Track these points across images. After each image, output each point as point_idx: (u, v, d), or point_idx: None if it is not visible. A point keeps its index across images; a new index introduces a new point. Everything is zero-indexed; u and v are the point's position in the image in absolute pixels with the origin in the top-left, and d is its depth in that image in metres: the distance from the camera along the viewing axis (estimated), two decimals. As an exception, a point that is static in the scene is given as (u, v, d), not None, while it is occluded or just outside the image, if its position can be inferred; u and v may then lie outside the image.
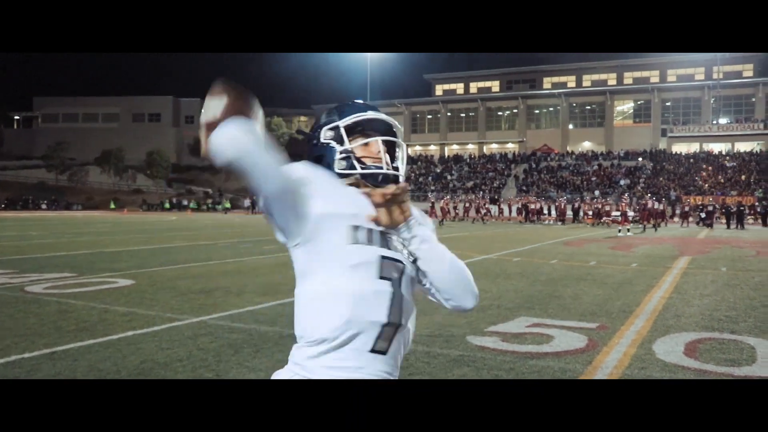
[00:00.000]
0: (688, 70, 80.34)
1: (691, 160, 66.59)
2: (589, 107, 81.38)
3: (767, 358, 6.21)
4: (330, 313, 1.79)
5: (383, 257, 1.86)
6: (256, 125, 1.79)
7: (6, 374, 5.44)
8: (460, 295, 1.92)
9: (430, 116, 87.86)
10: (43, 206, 75.90)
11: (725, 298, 10.01)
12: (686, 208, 45.52)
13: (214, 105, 1.82)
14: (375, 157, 2.06)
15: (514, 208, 50.78)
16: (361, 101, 2.19)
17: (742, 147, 69.18)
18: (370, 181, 2.00)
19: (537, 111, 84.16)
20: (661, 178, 63.06)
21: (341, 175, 2.01)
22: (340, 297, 1.80)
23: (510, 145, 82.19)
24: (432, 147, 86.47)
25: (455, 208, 48.66)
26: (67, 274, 12.11)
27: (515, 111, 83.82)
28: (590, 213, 43.87)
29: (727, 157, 66.20)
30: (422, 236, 1.90)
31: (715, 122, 72.54)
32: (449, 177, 72.22)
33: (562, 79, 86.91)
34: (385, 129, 2.15)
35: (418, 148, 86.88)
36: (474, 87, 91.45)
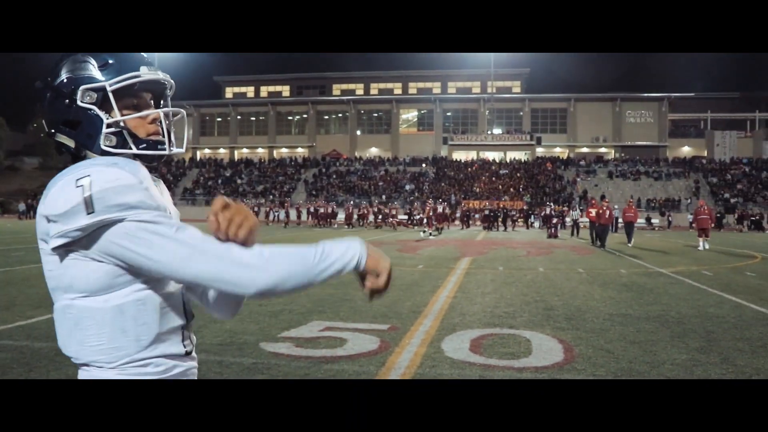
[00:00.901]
0: (466, 84, 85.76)
1: (470, 169, 70.88)
2: (376, 114, 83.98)
3: (540, 349, 6.73)
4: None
5: None
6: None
7: None
8: None
9: (219, 119, 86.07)
10: None
11: (503, 296, 10.72)
12: (466, 212, 48.44)
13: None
14: (153, 130, 1.72)
15: (304, 212, 50.96)
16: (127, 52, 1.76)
17: (513, 156, 75.02)
18: (146, 160, 1.69)
19: (326, 117, 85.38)
20: (443, 184, 66.46)
21: (109, 153, 1.64)
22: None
23: (300, 150, 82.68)
24: (221, 150, 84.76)
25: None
26: None
27: (305, 116, 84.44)
28: (371, 217, 45.50)
29: (501, 165, 71.35)
30: None
31: (489, 132, 77.85)
32: (239, 181, 71.18)
33: (351, 86, 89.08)
34: (161, 89, 1.81)
35: (207, 151, 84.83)
36: (264, 91, 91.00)
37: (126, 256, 1.51)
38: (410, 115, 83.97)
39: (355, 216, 46.41)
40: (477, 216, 49.13)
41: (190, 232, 1.53)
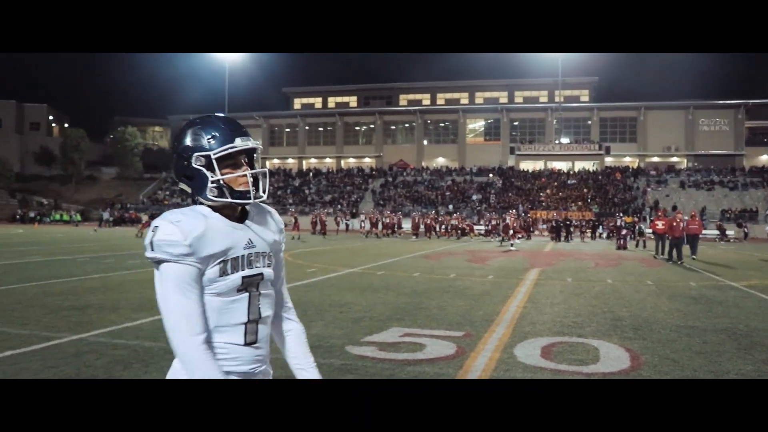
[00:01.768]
0: (533, 93, 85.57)
1: (537, 181, 70.57)
2: (442, 124, 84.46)
3: (607, 357, 7.12)
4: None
5: (244, 277, 2.31)
6: None
7: None
8: None
9: (288, 129, 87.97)
10: None
11: (572, 306, 11.08)
12: (531, 222, 48.37)
13: None
14: (243, 182, 2.34)
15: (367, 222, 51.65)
16: (224, 119, 2.41)
17: (581, 165, 74.37)
18: (238, 204, 2.35)
19: (393, 127, 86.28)
20: (510, 194, 66.43)
21: (212, 200, 2.31)
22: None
23: (367, 160, 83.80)
24: (290, 160, 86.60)
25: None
26: None
27: (372, 126, 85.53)
28: (441, 227, 45.90)
29: (569, 175, 70.84)
30: None
31: (557, 142, 77.35)
32: (308, 191, 72.62)
33: (418, 96, 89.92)
34: (251, 152, 2.43)
35: (276, 161, 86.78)
36: (332, 101, 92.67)
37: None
38: (477, 124, 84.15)
39: (422, 226, 46.90)
40: (544, 226, 48.99)
41: (172, 300, 2.18)
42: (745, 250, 33.13)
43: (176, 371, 2.23)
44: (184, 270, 2.18)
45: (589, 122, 79.33)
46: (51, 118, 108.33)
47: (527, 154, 76.08)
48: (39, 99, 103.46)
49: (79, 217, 68.81)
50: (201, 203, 2.34)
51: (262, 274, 2.37)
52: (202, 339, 2.15)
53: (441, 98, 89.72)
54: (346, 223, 51.99)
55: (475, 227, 50.35)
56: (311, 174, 78.11)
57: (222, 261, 2.25)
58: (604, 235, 45.81)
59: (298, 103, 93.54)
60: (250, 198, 2.34)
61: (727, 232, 47.82)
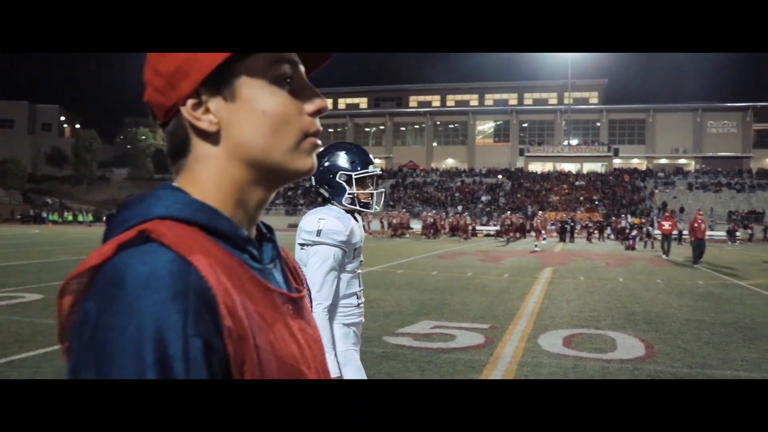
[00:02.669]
0: (543, 95, 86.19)
1: (546, 183, 71.15)
2: (452, 126, 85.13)
3: (624, 346, 7.81)
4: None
5: (360, 260, 3.24)
6: None
7: (-8, 374, 6.04)
8: None
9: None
10: None
11: (587, 302, 11.76)
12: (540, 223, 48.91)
13: None
14: (367, 196, 3.22)
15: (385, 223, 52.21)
16: (360, 149, 3.35)
17: (590, 167, 74.93)
18: (364, 212, 3.24)
19: (403, 128, 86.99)
20: (519, 195, 67.05)
21: (344, 206, 3.16)
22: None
23: (377, 161, 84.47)
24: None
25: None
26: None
27: (382, 127, 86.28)
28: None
29: (577, 177, 71.42)
30: None
31: (566, 143, 77.92)
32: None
33: (428, 98, 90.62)
34: (379, 175, 3.36)
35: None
36: (342, 103, 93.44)
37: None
38: (486, 126, 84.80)
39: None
40: (552, 227, 49.54)
41: (327, 276, 2.96)
42: (750, 251, 33.71)
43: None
44: (341, 254, 3.00)
45: (598, 124, 79.92)
46: (63, 118, 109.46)
47: (536, 155, 76.66)
48: (51, 100, 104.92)
49: (91, 218, 69.69)
50: (334, 205, 3.20)
51: (362, 259, 3.27)
52: (328, 305, 2.96)
53: (451, 100, 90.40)
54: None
55: (484, 228, 50.97)
56: (322, 175, 78.73)
57: (356, 248, 3.14)
58: (612, 236, 46.38)
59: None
60: (371, 209, 3.25)
61: (737, 233, 48.25)
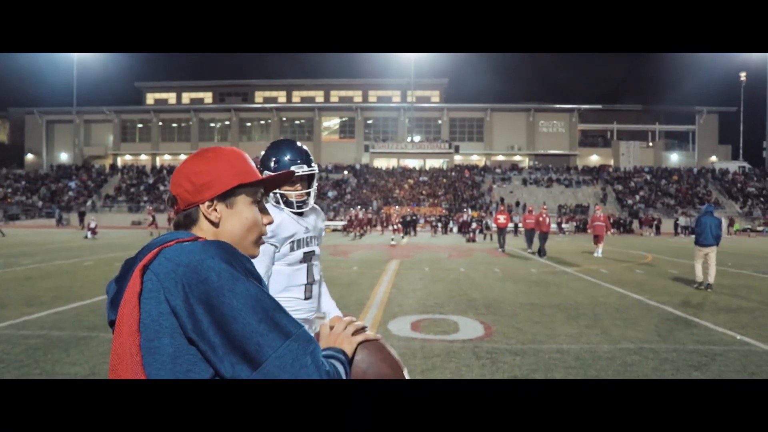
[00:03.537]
0: (387, 93, 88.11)
1: (390, 178, 73.04)
2: (298, 122, 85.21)
3: (466, 327, 8.61)
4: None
5: (304, 252, 3.35)
6: None
7: None
8: None
9: (141, 125, 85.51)
10: None
11: (432, 291, 12.59)
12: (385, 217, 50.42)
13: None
14: (296, 196, 3.25)
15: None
16: (291, 149, 3.30)
17: (432, 164, 77.80)
18: (294, 210, 3.28)
19: (249, 124, 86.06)
20: (365, 190, 68.40)
21: (273, 206, 3.25)
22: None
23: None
24: (143, 157, 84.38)
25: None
26: None
27: (228, 123, 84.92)
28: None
29: (421, 173, 73.90)
30: None
31: (410, 140, 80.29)
32: (162, 188, 71.26)
33: (273, 93, 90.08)
34: (307, 175, 3.30)
35: (128, 157, 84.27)
36: (186, 97, 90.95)
37: None
38: (332, 122, 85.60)
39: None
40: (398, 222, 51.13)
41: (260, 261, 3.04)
42: (578, 241, 36.58)
43: None
44: (269, 249, 3.14)
45: (440, 122, 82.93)
46: None
47: (381, 152, 78.41)
48: None
49: None
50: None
51: (314, 251, 3.37)
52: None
53: (297, 96, 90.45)
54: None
55: (331, 223, 51.82)
56: (165, 171, 76.62)
57: (293, 240, 3.24)
58: (455, 229, 48.57)
59: (151, 98, 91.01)
60: (293, 208, 3.29)
61: (563, 225, 52.03)
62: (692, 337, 8.19)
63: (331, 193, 67.26)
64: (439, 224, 49.53)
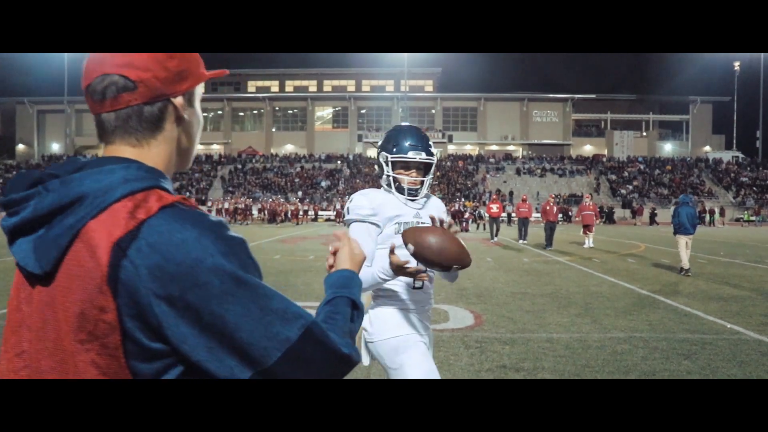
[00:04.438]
0: (380, 82, 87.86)
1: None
2: (291, 111, 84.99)
3: (456, 317, 8.55)
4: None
5: None
6: None
7: None
8: None
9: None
10: None
11: (423, 280, 12.52)
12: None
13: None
14: (409, 182, 3.15)
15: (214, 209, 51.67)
16: (411, 134, 3.21)
17: (426, 153, 77.61)
18: (400, 193, 3.18)
19: (242, 113, 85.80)
20: (358, 180, 68.25)
21: (384, 188, 3.23)
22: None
23: (215, 147, 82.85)
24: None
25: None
26: None
27: (220, 112, 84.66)
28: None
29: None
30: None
31: (403, 130, 79.89)
32: (155, 177, 70.87)
33: (266, 83, 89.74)
34: (424, 163, 3.20)
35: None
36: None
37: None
38: (325, 112, 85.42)
39: (265, 212, 47.73)
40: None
41: (357, 233, 3.00)
42: (569, 231, 36.59)
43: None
44: (371, 228, 3.03)
45: (433, 111, 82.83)
46: None
47: (374, 141, 78.16)
48: None
49: None
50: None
51: None
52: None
53: (290, 85, 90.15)
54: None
55: (324, 212, 51.78)
56: (157, 161, 76.10)
57: (397, 223, 3.07)
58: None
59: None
60: (404, 194, 3.18)
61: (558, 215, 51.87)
62: (682, 326, 8.15)
63: (324, 183, 67.13)
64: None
